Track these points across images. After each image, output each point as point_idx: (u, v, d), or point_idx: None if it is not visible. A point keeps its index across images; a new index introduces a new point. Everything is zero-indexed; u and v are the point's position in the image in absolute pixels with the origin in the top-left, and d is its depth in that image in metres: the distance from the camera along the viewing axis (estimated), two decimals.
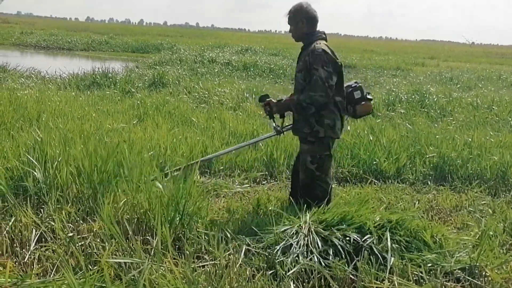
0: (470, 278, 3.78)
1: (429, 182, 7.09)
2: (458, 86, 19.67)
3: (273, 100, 5.37)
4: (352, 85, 5.42)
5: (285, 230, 4.26)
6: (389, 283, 3.62)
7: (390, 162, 7.41)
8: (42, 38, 43.14)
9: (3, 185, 4.69)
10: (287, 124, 5.52)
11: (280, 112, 5.32)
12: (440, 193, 6.70)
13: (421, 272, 3.79)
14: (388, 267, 3.79)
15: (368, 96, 5.42)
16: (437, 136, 8.59)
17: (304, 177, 5.27)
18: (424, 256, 4.00)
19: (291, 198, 5.35)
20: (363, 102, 5.38)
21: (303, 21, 5.23)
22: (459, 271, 3.86)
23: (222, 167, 7.17)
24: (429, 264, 3.91)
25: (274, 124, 5.62)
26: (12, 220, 4.29)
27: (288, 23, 5.33)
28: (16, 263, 3.80)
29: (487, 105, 13.68)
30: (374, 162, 7.40)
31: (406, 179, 7.20)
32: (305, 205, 4.94)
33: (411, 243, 4.14)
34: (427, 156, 7.67)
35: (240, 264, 3.80)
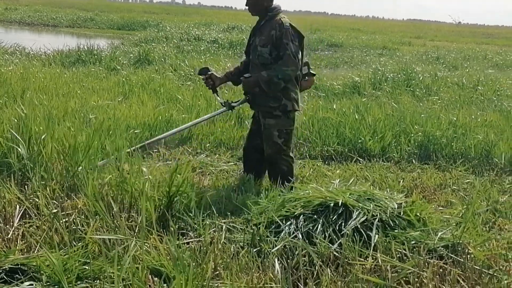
0: (453, 256, 3.80)
1: (413, 161, 7.13)
2: (444, 65, 19.71)
3: (215, 73, 5.38)
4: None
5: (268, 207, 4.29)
6: (373, 260, 3.64)
7: (375, 141, 7.44)
8: (26, 14, 42.65)
9: None
10: (236, 99, 5.56)
11: (250, 89, 5.30)
12: (425, 171, 6.74)
13: (405, 250, 3.81)
14: (372, 245, 3.81)
15: (311, 72, 5.47)
16: (422, 115, 8.62)
17: (271, 152, 5.31)
18: (407, 233, 4.02)
19: (249, 175, 5.39)
20: (307, 78, 5.44)
21: None
22: (443, 248, 3.88)
23: (208, 145, 7.17)
24: (413, 242, 3.93)
25: (220, 99, 5.64)
26: None
27: None
28: (0, 239, 3.79)
29: (472, 84, 13.75)
30: (360, 141, 7.42)
31: (391, 157, 7.24)
32: (273, 180, 5.02)
33: (394, 220, 4.16)
34: (412, 135, 7.71)
35: (224, 241, 3.82)
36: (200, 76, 5.60)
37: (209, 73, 5.40)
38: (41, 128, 5.29)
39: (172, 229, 3.79)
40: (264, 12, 5.26)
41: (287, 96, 5.17)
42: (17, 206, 4.15)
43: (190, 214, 4.24)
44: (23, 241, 3.79)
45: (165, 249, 3.45)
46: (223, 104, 5.58)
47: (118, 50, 17.80)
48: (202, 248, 3.63)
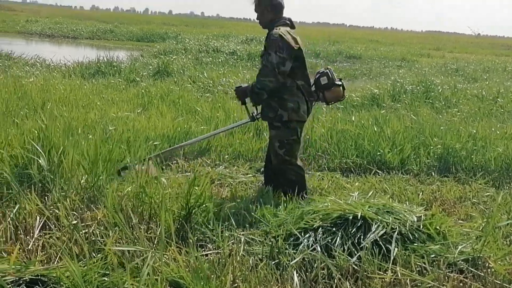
0: (473, 269, 3.77)
1: (433, 173, 7.08)
2: (463, 77, 19.59)
3: (243, 86, 5.43)
4: (320, 71, 5.48)
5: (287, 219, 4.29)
6: (392, 274, 3.62)
7: (394, 153, 7.40)
8: (47, 26, 43.04)
9: (7, 173, 4.70)
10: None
11: (241, 99, 5.40)
12: (444, 184, 6.69)
13: (424, 263, 3.79)
14: (391, 258, 3.80)
15: (337, 82, 5.44)
16: (441, 128, 8.56)
17: (276, 163, 5.39)
18: (427, 247, 4.00)
19: (268, 186, 5.46)
20: (332, 88, 5.42)
21: (267, 9, 5.31)
22: (463, 262, 3.86)
23: (227, 157, 7.17)
24: (432, 255, 3.91)
25: (250, 111, 5.66)
26: (16, 208, 4.30)
27: (255, 11, 5.40)
28: (20, 250, 3.81)
29: (492, 96, 13.62)
30: (378, 153, 7.39)
31: (410, 170, 7.19)
32: (282, 192, 5.04)
33: (414, 234, 4.14)
34: (432, 147, 7.66)
35: (243, 253, 3.82)
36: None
37: (236, 87, 5.46)
38: (61, 139, 5.33)
39: (191, 240, 3.80)
40: (269, 25, 5.30)
41: (283, 107, 5.20)
42: (38, 217, 4.18)
43: (209, 226, 4.25)
44: (43, 252, 3.82)
45: (184, 261, 3.46)
46: (250, 116, 5.63)
47: (137, 62, 17.90)
48: (220, 260, 3.63)
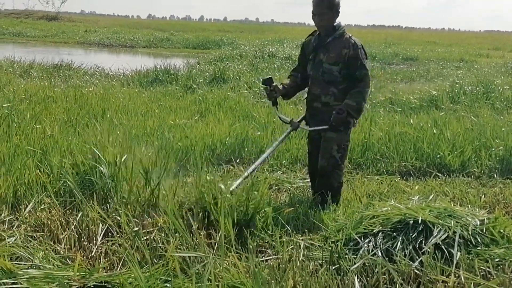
0: None
1: (495, 176, 6.94)
2: None
3: (278, 86, 5.30)
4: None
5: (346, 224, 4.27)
6: (455, 278, 3.56)
7: (455, 156, 7.28)
8: (105, 36, 43.82)
9: (70, 181, 4.81)
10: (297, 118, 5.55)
11: (342, 125, 5.13)
12: (507, 186, 6.54)
13: (489, 267, 3.72)
14: (454, 262, 3.74)
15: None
16: (503, 129, 8.38)
17: (326, 165, 5.26)
18: (491, 251, 3.92)
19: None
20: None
21: (337, 12, 5.19)
22: None
23: (284, 162, 7.17)
24: (497, 259, 3.83)
25: (282, 116, 5.61)
26: (79, 215, 4.40)
27: (321, 12, 5.13)
28: (84, 257, 3.89)
29: None
30: (438, 156, 7.28)
31: (471, 172, 7.06)
32: (321, 193, 5.01)
33: (477, 237, 4.06)
34: (493, 149, 7.50)
35: (303, 258, 3.81)
36: (263, 86, 5.43)
37: (273, 84, 5.27)
38: (121, 147, 5.42)
39: (250, 246, 3.81)
40: (332, 30, 5.22)
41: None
42: (100, 225, 4.26)
43: (268, 231, 4.26)
44: (106, 259, 3.89)
45: (244, 266, 3.47)
46: (288, 122, 5.51)
47: (194, 69, 18.05)
48: (280, 265, 3.63)
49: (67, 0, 74.39)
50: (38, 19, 67.17)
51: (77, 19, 75.42)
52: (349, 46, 5.08)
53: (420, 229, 4.04)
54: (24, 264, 3.49)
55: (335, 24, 5.18)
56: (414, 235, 4.01)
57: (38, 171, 5.23)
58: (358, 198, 5.71)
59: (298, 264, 3.66)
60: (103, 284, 3.25)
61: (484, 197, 6.02)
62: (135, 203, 4.62)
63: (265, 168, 6.81)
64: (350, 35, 5.16)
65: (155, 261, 3.70)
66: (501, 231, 4.15)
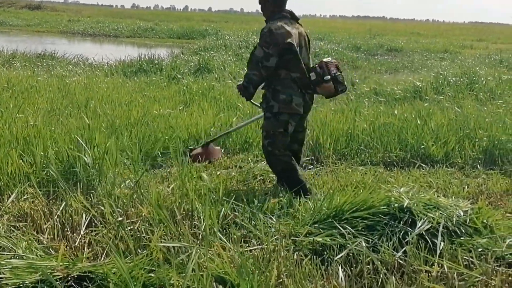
0: None
1: (478, 166, 6.96)
2: (508, 68, 19.24)
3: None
4: (314, 65, 5.35)
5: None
6: (439, 268, 3.58)
7: (438, 146, 7.30)
8: (88, 25, 43.54)
9: (54, 171, 4.78)
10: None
11: (241, 94, 5.41)
12: (490, 177, 6.57)
13: (472, 257, 3.75)
14: (438, 252, 3.76)
15: (326, 78, 5.22)
16: (486, 119, 8.41)
17: (263, 152, 5.45)
18: (474, 241, 3.94)
19: None
20: (321, 84, 5.27)
21: (269, 1, 5.31)
22: (511, 256, 3.80)
23: None
24: (480, 249, 3.86)
25: (255, 103, 5.76)
26: (63, 205, 4.38)
27: (258, 3, 5.44)
28: (67, 247, 3.87)
29: None
30: (422, 146, 7.29)
31: (455, 163, 7.08)
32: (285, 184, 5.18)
33: (460, 228, 4.09)
34: (477, 139, 7.53)
35: (287, 248, 3.81)
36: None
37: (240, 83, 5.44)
38: (105, 137, 5.40)
39: (235, 236, 3.81)
40: (270, 18, 5.33)
41: (275, 98, 5.20)
42: (84, 215, 4.24)
43: (252, 221, 4.25)
44: (89, 249, 3.87)
45: (229, 256, 3.46)
46: (260, 107, 5.62)
47: (178, 59, 17.97)
48: (265, 255, 3.63)
49: None
50: (21, 8, 66.66)
51: (60, 8, 75.01)
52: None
53: (404, 219, 4.06)
54: (6, 254, 3.47)
55: (275, 12, 5.32)
56: (398, 225, 4.03)
57: (21, 161, 5.20)
58: (342, 188, 5.71)
59: (282, 254, 3.66)
60: (87, 274, 3.24)
61: (468, 187, 6.05)
62: (118, 193, 4.59)
63: (249, 159, 6.80)
64: (275, 22, 5.19)
65: (139, 251, 3.69)
66: (484, 221, 4.18)
